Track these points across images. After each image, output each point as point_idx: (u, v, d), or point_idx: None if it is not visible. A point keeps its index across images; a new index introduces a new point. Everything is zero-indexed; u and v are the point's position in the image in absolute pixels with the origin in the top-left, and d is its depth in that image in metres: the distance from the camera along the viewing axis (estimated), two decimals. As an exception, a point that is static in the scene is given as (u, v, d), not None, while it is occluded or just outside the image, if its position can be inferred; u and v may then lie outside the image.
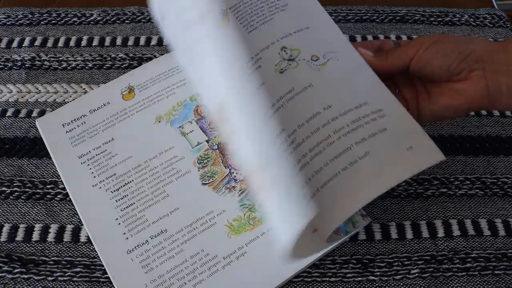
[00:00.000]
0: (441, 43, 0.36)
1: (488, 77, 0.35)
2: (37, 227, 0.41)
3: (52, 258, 0.39)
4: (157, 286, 0.36)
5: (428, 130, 0.47)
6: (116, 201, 0.40)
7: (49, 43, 0.54)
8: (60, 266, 0.39)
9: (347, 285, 0.38)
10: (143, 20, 0.56)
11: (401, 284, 0.38)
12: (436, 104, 0.37)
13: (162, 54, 0.50)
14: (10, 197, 0.43)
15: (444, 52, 0.35)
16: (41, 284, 0.38)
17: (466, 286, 0.38)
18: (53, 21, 0.56)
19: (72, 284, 0.38)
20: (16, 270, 0.38)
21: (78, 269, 0.39)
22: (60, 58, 0.52)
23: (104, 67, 0.52)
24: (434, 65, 0.36)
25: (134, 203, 0.40)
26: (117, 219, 0.39)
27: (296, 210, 0.30)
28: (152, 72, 0.48)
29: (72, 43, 0.54)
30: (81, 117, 0.45)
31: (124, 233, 0.39)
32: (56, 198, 0.43)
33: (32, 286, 0.38)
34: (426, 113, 0.38)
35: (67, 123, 0.44)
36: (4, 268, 0.38)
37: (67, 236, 0.40)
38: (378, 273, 0.39)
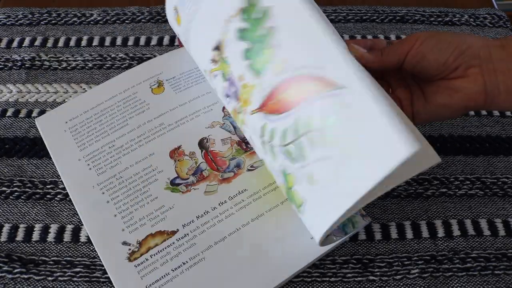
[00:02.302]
0: (438, 37, 0.35)
1: (485, 74, 0.34)
2: (37, 227, 0.41)
3: (52, 258, 0.39)
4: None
5: (428, 130, 0.47)
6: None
7: (49, 43, 0.54)
8: (60, 266, 0.39)
9: (347, 285, 0.38)
10: (143, 20, 0.56)
11: (401, 284, 0.38)
12: (432, 103, 0.36)
13: (161, 54, 0.50)
14: (10, 197, 0.43)
15: (441, 46, 0.35)
16: (41, 284, 0.38)
17: (466, 286, 0.38)
18: (53, 21, 0.56)
19: (72, 284, 0.38)
20: (16, 270, 0.38)
21: (78, 269, 0.39)
22: (60, 58, 0.52)
23: (104, 67, 0.52)
24: (430, 59, 0.35)
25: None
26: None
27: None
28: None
29: (72, 43, 0.54)
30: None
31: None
32: (56, 198, 0.43)
33: (32, 286, 0.38)
34: (421, 114, 0.37)
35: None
36: (4, 268, 0.38)
37: (67, 236, 0.40)
38: (378, 273, 0.39)
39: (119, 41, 0.54)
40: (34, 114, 0.48)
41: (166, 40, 0.54)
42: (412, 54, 0.35)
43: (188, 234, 0.38)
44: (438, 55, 0.35)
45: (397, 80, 0.39)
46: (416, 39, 0.35)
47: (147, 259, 0.37)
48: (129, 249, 0.37)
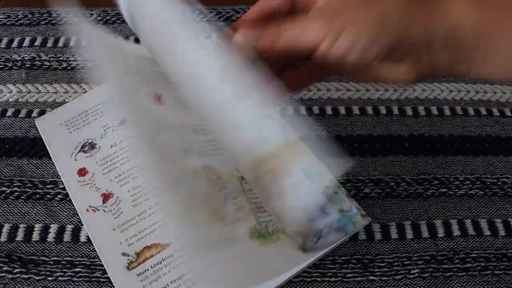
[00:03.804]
0: (357, 26, 0.26)
1: (424, 63, 0.28)
2: (37, 227, 0.41)
3: (52, 258, 0.39)
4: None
5: (428, 130, 0.47)
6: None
7: (49, 43, 0.54)
8: (60, 266, 0.39)
9: (347, 285, 0.38)
10: (143, 20, 0.56)
11: (401, 284, 0.38)
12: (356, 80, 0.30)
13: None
14: (10, 197, 0.43)
15: (363, 43, 0.26)
16: (41, 284, 0.38)
17: (466, 286, 0.39)
18: (53, 21, 0.56)
19: (72, 284, 0.38)
20: (16, 270, 0.38)
21: (78, 269, 0.39)
22: (60, 58, 0.52)
23: (104, 67, 0.52)
24: (352, 61, 0.27)
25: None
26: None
27: None
28: None
29: (72, 43, 0.54)
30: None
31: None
32: (56, 198, 0.43)
33: (32, 286, 0.38)
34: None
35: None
36: (4, 268, 0.38)
37: (67, 236, 0.40)
38: (378, 273, 0.39)
39: (119, 41, 0.54)
40: (34, 114, 0.48)
41: (166, 40, 0.54)
42: (323, 55, 0.27)
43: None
44: (361, 56, 0.27)
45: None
46: (328, 29, 0.26)
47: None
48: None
